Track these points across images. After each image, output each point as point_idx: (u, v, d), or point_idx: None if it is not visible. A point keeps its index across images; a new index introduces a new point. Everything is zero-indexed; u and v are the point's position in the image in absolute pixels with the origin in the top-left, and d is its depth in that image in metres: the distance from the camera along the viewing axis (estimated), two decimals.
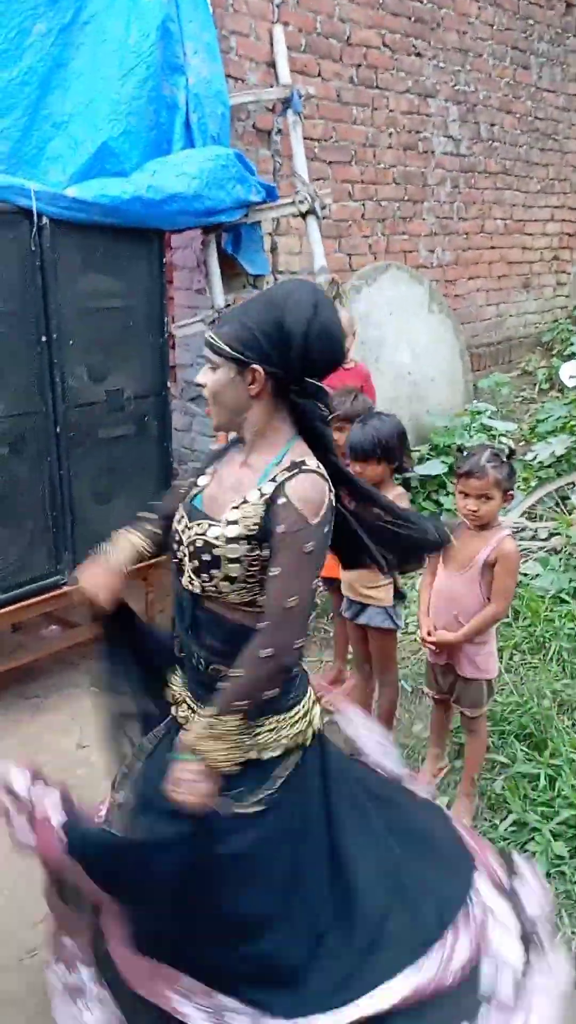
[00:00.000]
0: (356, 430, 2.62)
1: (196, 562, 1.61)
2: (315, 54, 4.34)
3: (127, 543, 1.77)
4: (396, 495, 2.61)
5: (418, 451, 4.84)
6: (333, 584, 3.06)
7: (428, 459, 4.87)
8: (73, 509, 3.16)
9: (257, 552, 1.57)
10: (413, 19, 4.91)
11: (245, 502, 1.59)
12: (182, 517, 1.67)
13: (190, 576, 1.63)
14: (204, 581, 1.60)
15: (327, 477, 1.61)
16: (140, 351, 3.37)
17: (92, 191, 3.04)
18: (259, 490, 1.59)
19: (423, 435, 5.11)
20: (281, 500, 1.55)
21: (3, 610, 3.01)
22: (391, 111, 4.92)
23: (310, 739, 1.71)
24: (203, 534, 1.60)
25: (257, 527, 1.56)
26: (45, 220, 2.91)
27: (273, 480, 1.58)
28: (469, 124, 5.61)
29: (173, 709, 1.77)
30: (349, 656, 3.19)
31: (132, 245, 3.24)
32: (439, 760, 2.80)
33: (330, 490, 1.60)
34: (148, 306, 3.37)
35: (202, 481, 1.71)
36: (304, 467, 1.58)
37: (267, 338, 1.57)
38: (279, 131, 4.11)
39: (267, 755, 1.64)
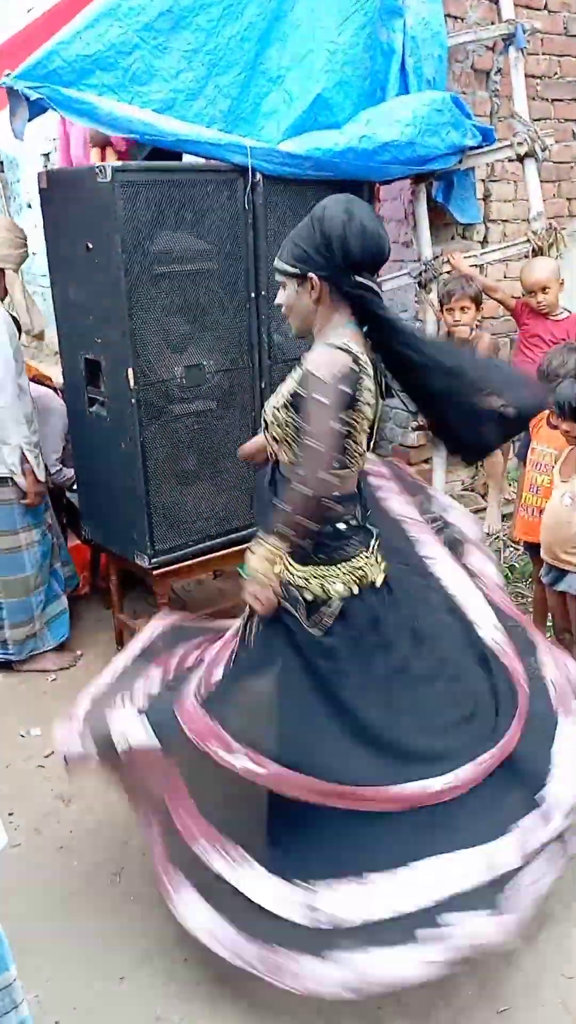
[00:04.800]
0: (567, 386, 2.49)
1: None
2: None
3: None
4: None
5: None
6: (533, 548, 2.96)
7: None
8: None
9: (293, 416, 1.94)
10: None
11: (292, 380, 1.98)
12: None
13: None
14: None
15: (352, 352, 1.88)
16: None
17: (305, 145, 3.04)
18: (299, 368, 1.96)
19: None
20: (302, 369, 1.92)
21: (209, 556, 3.17)
22: None
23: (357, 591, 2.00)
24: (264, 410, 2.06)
25: (292, 395, 1.94)
26: (259, 176, 2.96)
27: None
28: None
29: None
30: (549, 623, 3.08)
31: None
32: None
33: (355, 362, 1.87)
34: None
35: None
36: (328, 343, 1.89)
37: (314, 248, 1.90)
38: (498, 70, 3.90)
39: (312, 596, 1.96)
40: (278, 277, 2.02)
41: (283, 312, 2.06)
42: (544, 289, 3.46)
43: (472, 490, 4.35)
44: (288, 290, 1.99)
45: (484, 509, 3.75)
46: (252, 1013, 1.96)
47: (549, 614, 3.03)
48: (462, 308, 3.45)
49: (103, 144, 3.83)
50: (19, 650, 3.39)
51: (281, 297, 2.02)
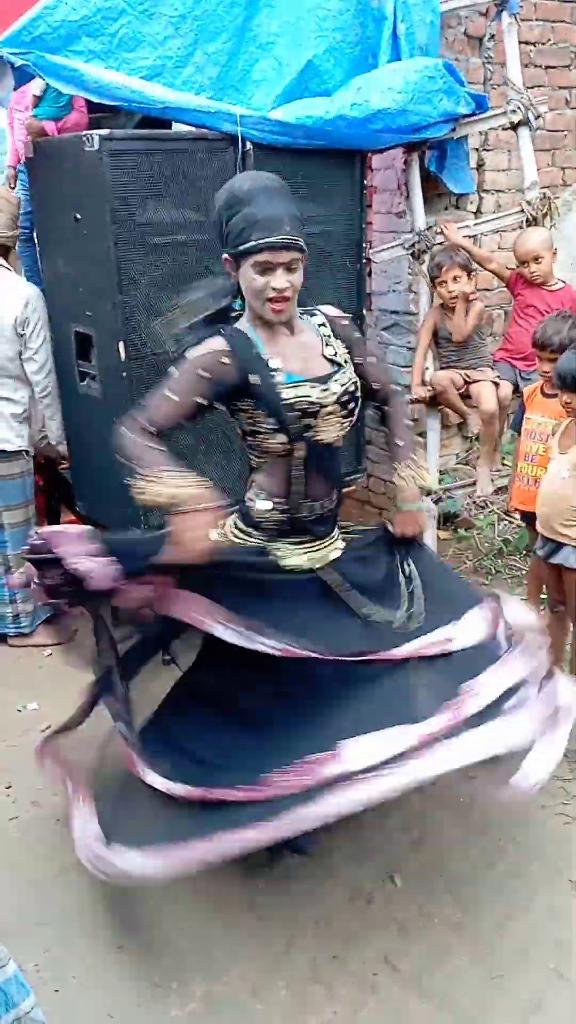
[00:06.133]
0: (567, 356, 2.48)
1: (346, 409, 1.95)
2: None
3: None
4: None
5: None
6: (529, 518, 2.95)
7: None
8: None
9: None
10: None
11: (335, 352, 1.97)
12: (302, 391, 1.88)
13: (339, 425, 1.94)
14: (347, 422, 1.96)
15: None
16: (337, 278, 3.34)
17: (295, 113, 3.00)
18: (326, 342, 1.98)
19: None
20: (351, 332, 2.03)
21: None
22: None
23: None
24: (345, 384, 1.94)
25: (348, 361, 1.99)
26: (249, 145, 2.92)
27: (324, 326, 2.00)
28: None
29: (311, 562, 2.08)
30: (544, 596, 3.08)
31: (333, 167, 3.19)
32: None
33: None
34: (347, 231, 3.32)
35: (275, 364, 1.89)
36: (323, 310, 2.03)
37: (301, 222, 1.84)
38: (492, 37, 3.84)
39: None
40: (291, 255, 1.79)
41: (288, 296, 1.83)
42: (536, 259, 3.44)
43: (467, 463, 4.34)
44: (299, 270, 1.82)
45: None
46: (246, 979, 1.98)
47: (543, 586, 3.04)
48: (454, 278, 3.41)
49: (39, 136, 3.71)
50: (31, 622, 3.43)
51: (292, 280, 1.82)
